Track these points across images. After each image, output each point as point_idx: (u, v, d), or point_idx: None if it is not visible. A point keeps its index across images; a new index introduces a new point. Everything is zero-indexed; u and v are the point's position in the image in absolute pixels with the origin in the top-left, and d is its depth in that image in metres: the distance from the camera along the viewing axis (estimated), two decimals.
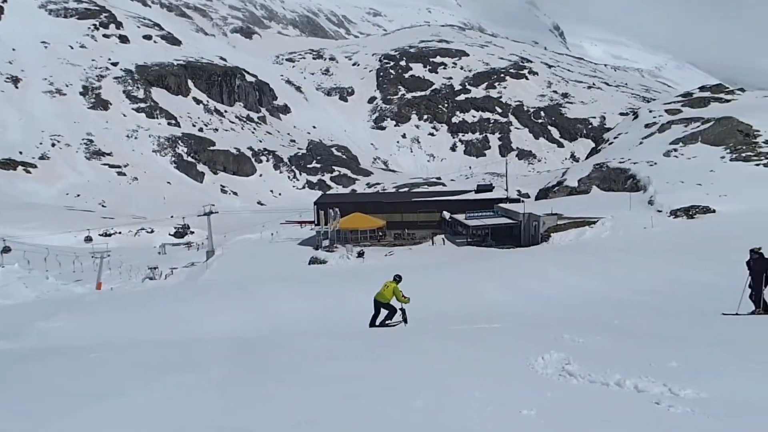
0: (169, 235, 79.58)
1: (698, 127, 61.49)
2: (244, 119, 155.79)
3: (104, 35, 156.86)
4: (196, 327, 21.20)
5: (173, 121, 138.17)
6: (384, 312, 16.90)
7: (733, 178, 48.31)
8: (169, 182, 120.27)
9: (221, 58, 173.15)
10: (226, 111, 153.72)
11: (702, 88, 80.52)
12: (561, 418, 6.66)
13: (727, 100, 71.33)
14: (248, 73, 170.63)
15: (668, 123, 66.51)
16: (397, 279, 17.17)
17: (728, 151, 54.97)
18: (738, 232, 33.51)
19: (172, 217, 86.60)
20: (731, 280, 18.96)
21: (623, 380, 7.87)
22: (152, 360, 11.26)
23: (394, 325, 16.75)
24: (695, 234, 37.32)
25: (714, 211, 42.41)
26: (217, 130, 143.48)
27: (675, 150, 58.05)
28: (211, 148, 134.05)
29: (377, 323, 16.95)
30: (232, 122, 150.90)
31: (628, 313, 18.68)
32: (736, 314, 16.87)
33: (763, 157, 52.09)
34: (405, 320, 16.75)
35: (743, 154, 53.33)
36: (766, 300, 16.92)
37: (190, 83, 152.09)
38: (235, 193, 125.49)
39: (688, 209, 43.33)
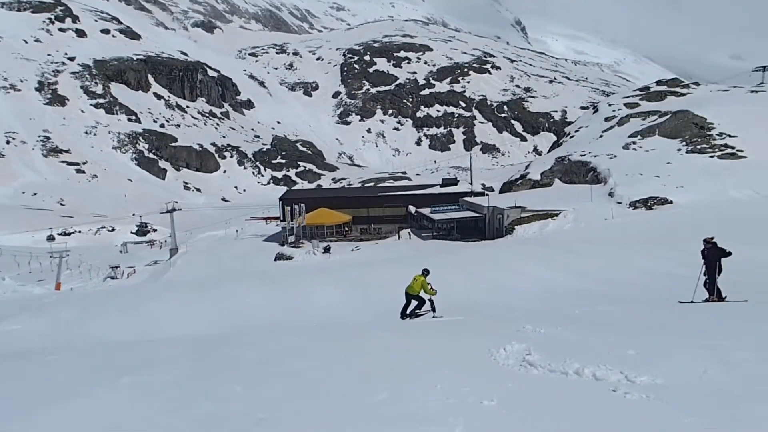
0: (131, 233, 78.01)
1: (655, 120, 62.85)
2: (207, 115, 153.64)
3: (60, 29, 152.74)
4: (158, 326, 20.88)
5: (133, 117, 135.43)
6: (414, 302, 17.92)
7: (689, 170, 49.60)
8: (130, 179, 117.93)
9: (182, 53, 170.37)
10: (188, 106, 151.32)
11: (659, 82, 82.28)
12: (521, 407, 6.78)
13: (683, 94, 73.08)
14: (210, 67, 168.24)
15: (627, 116, 67.82)
16: (425, 273, 18.08)
17: (684, 143, 56.36)
18: (693, 222, 34.46)
19: (133, 215, 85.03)
20: (688, 269, 19.48)
21: (582, 369, 8.05)
22: (111, 361, 11.07)
23: (423, 314, 17.77)
24: (654, 225, 38.25)
25: (671, 202, 43.52)
26: (179, 125, 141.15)
27: (634, 143, 59.25)
28: (173, 144, 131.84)
29: (408, 312, 17.96)
30: (195, 118, 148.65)
31: (589, 302, 19.03)
32: (692, 302, 17.36)
33: (717, 149, 53.54)
34: (433, 309, 17.61)
35: (698, 147, 54.74)
36: (720, 288, 17.45)
37: (150, 78, 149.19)
38: (198, 190, 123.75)
39: (647, 201, 44.37)
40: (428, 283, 17.66)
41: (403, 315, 18.00)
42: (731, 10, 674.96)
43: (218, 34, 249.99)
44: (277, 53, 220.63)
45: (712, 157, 52.48)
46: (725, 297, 17.31)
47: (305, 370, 9.09)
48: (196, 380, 8.79)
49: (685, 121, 59.70)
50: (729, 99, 66.91)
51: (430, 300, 17.71)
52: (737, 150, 52.56)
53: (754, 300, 16.33)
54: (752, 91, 70.04)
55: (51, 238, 70.31)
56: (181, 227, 63.88)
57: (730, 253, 17.34)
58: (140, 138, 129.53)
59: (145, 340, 15.81)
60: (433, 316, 17.29)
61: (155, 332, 19.25)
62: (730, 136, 55.15)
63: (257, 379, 8.64)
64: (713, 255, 17.46)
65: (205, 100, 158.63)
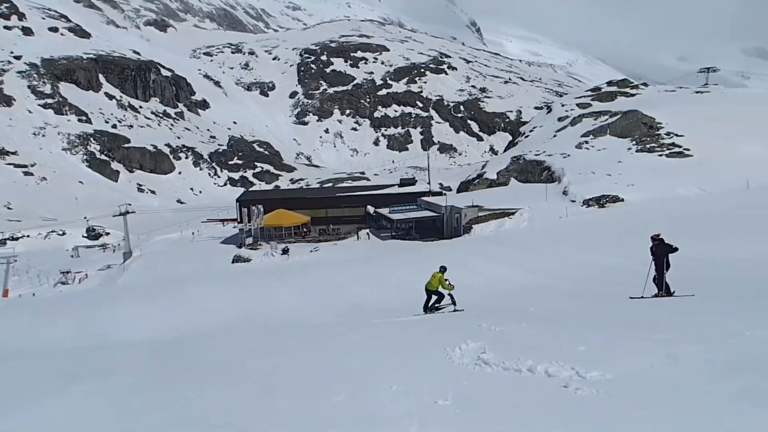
0: (83, 237, 75.88)
1: (606, 120, 64.41)
2: (161, 115, 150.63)
3: (5, 27, 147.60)
4: (113, 331, 20.43)
5: (84, 118, 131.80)
6: (434, 297, 18.89)
7: (639, 169, 51.00)
8: (81, 182, 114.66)
9: (135, 52, 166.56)
10: (141, 107, 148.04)
11: (609, 83, 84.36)
12: (475, 405, 6.88)
13: (632, 95, 75.15)
14: (164, 67, 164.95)
15: (579, 116, 69.33)
16: (443, 269, 18.97)
17: (634, 142, 57.92)
18: (644, 219, 35.42)
19: (85, 218, 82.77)
20: (639, 264, 20.05)
21: (535, 366, 8.22)
22: (63, 368, 10.79)
23: (443, 308, 18.71)
24: (606, 222, 39.18)
25: (623, 200, 44.67)
26: (131, 126, 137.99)
27: (586, 142, 60.59)
28: (126, 145, 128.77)
29: (429, 306, 18.92)
30: (148, 118, 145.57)
31: (544, 299, 19.41)
32: (642, 297, 17.87)
33: (665, 148, 55.18)
34: (453, 303, 18.56)
35: (648, 146, 56.32)
36: (668, 283, 18.00)
37: (101, 78, 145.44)
38: (153, 192, 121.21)
39: (599, 199, 45.44)
40: (446, 279, 18.56)
41: (426, 309, 18.90)
42: (677, 13, 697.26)
43: (172, 32, 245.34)
44: (232, 53, 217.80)
45: (660, 155, 54.03)
46: (674, 292, 17.86)
47: (262, 372, 9.04)
48: (150, 386, 8.65)
49: (634, 121, 61.34)
50: (676, 99, 69.08)
51: (450, 294, 18.63)
52: (684, 149, 54.25)
53: (700, 294, 16.88)
54: (697, 92, 72.49)
55: (2, 243, 68.05)
56: (135, 230, 62.52)
57: (676, 249, 17.90)
58: (91, 139, 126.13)
59: (100, 346, 15.46)
60: (454, 309, 18.24)
61: (110, 337, 18.84)
62: (677, 135, 56.89)
63: (212, 382, 8.55)
64: (661, 251, 18.01)
65: (158, 100, 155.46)
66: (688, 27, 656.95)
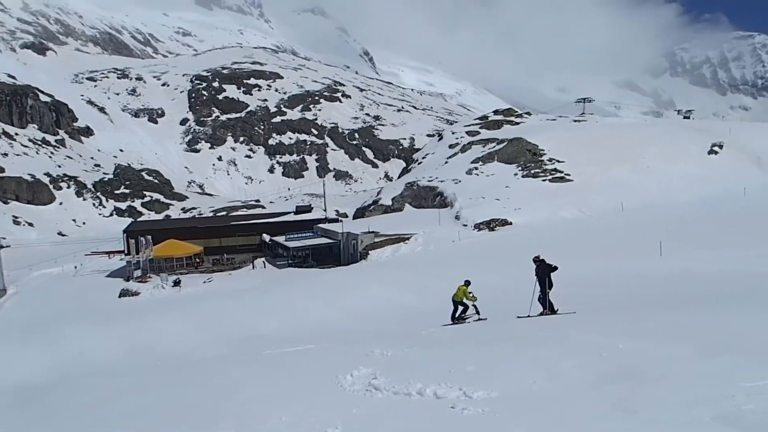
0: None
1: (494, 147, 67.46)
2: (39, 143, 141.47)
3: None
4: None
5: None
6: (460, 308, 20.20)
7: (525, 193, 53.69)
8: None
9: (9, 76, 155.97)
10: (17, 134, 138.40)
11: (496, 112, 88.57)
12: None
13: (517, 123, 79.36)
14: (42, 92, 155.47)
15: (469, 144, 72.14)
16: (467, 283, 20.14)
17: (520, 168, 60.98)
18: (530, 241, 37.22)
19: None
20: (527, 285, 20.99)
21: (424, 389, 8.38)
22: None
23: (468, 318, 20.07)
24: (496, 244, 40.82)
25: (511, 224, 46.75)
26: (6, 154, 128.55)
27: (476, 168, 63.07)
28: (0, 175, 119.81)
29: (456, 317, 20.16)
30: (25, 146, 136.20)
31: (437, 321, 19.88)
32: (528, 316, 18.72)
33: (548, 173, 58.50)
34: (478, 313, 19.91)
35: (532, 171, 59.49)
36: (552, 301, 18.98)
37: None
38: (30, 224, 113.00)
39: (490, 222, 47.30)
40: (470, 292, 19.80)
41: (453, 319, 20.13)
42: (556, 47, 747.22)
43: (51, 56, 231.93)
44: (118, 78, 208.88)
45: (544, 180, 57.17)
46: (557, 310, 18.85)
47: (142, 409, 8.62)
48: None
49: (519, 148, 64.64)
50: (557, 127, 73.62)
51: (474, 305, 19.94)
52: (565, 174, 57.73)
53: (581, 311, 17.91)
54: (576, 120, 77.65)
55: None
56: (10, 266, 57.97)
57: (556, 268, 18.97)
58: None
59: None
60: (478, 319, 19.69)
61: None
62: (558, 161, 60.50)
63: (88, 423, 8.04)
64: (542, 271, 19.03)
65: (36, 126, 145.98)
66: (565, 60, 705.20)
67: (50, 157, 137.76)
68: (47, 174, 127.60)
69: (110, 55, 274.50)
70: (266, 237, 62.59)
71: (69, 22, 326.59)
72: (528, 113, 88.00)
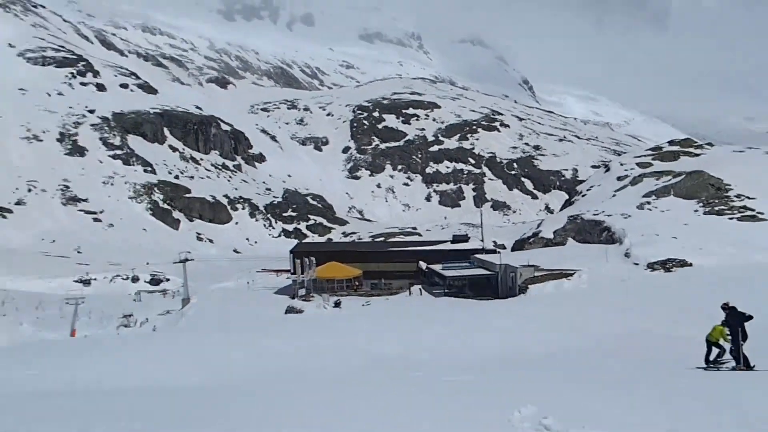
0: (145, 282, 78.03)
1: (669, 180, 62.84)
2: (220, 167, 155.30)
3: (81, 83, 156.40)
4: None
5: (149, 168, 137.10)
6: (715, 351, 17.91)
7: (707, 232, 49.06)
8: (144, 229, 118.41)
9: (197, 107, 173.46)
10: (201, 159, 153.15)
11: (671, 142, 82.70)
12: None
13: (697, 154, 73.14)
14: (223, 121, 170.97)
15: (640, 176, 67.94)
16: (725, 324, 17.53)
17: (701, 204, 56.11)
18: (714, 284, 33.82)
19: (147, 264, 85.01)
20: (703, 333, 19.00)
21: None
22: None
23: (724, 363, 17.68)
24: (673, 287, 37.54)
25: (691, 265, 42.69)
26: (192, 177, 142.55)
27: (648, 203, 59.09)
28: (187, 195, 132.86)
29: (710, 360, 17.97)
30: (208, 170, 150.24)
31: (601, 362, 18.61)
32: (717, 369, 16.97)
33: (736, 211, 53.15)
34: (736, 360, 17.17)
35: (716, 208, 54.43)
36: (746, 355, 17.02)
37: (166, 131, 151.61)
38: (210, 241, 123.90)
39: (665, 262, 43.62)
40: (726, 333, 17.40)
41: (707, 362, 18.04)
42: (742, 71, 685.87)
43: (231, 89, 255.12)
44: (288, 108, 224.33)
45: (731, 218, 52.04)
46: (754, 366, 16.88)
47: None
48: None
49: (700, 182, 59.57)
50: (745, 160, 66.83)
51: (732, 349, 17.41)
52: (758, 212, 52.10)
53: None
54: None
55: (86, 283, 71.13)
56: (193, 278, 63.74)
57: (750, 317, 17.01)
58: (155, 189, 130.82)
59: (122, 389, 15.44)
60: (733, 368, 17.15)
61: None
62: (748, 197, 54.81)
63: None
64: (734, 320, 17.13)
65: (218, 152, 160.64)
66: (754, 86, 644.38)
67: (229, 180, 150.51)
68: (226, 196, 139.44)
69: (282, 88, 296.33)
70: (423, 264, 63.04)
71: (247, 58, 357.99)
72: (710, 144, 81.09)
